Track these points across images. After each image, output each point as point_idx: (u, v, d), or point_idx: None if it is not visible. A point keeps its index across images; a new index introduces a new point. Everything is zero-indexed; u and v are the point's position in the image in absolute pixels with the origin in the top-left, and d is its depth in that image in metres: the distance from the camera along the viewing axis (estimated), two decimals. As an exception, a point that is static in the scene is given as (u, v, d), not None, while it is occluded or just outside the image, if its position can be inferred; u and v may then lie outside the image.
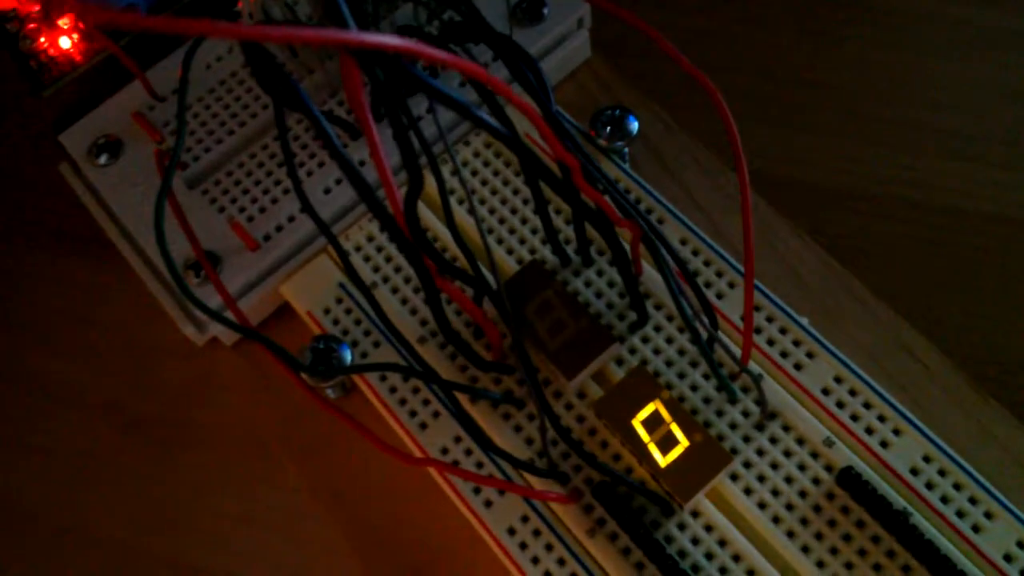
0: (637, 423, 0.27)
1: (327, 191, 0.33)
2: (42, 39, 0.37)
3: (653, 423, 0.27)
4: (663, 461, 0.26)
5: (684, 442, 0.26)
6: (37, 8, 0.38)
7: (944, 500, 0.26)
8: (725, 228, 0.32)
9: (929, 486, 0.26)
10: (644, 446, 0.27)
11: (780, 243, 0.32)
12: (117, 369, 0.34)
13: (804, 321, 0.28)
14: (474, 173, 0.32)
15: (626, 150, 0.32)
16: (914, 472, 0.26)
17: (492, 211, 0.32)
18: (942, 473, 0.26)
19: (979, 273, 0.31)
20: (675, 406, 0.27)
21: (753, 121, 0.34)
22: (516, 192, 0.32)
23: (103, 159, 0.34)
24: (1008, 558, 0.25)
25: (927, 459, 0.26)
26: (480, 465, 0.28)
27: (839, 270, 0.31)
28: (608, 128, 0.31)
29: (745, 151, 0.22)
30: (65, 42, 0.37)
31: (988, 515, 0.25)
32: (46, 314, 0.35)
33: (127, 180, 0.34)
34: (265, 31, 0.15)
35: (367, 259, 0.31)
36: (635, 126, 0.32)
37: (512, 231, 0.31)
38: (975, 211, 0.32)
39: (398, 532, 0.30)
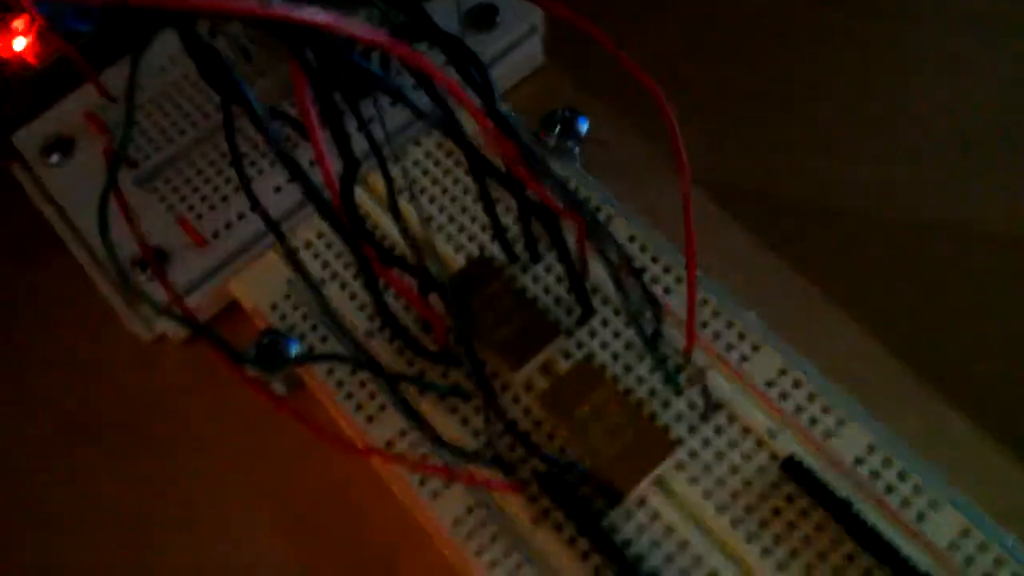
0: (582, 414, 0.27)
1: (278, 189, 0.33)
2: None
3: (597, 414, 0.27)
4: (607, 451, 0.26)
5: (628, 432, 0.26)
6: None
7: (888, 489, 0.26)
8: (674, 228, 0.32)
9: (874, 475, 0.26)
10: (588, 437, 0.26)
11: (733, 247, 0.32)
12: (65, 374, 0.33)
13: (750, 315, 0.28)
14: (424, 172, 0.32)
15: (576, 150, 0.32)
16: (858, 462, 0.26)
17: (441, 209, 0.32)
18: (886, 463, 0.26)
19: (940, 282, 0.31)
20: (619, 398, 0.27)
21: (718, 135, 0.34)
22: (466, 191, 0.32)
23: (55, 158, 0.34)
24: (953, 546, 0.25)
25: (871, 449, 0.26)
26: (426, 458, 0.28)
27: (791, 275, 0.31)
28: (558, 128, 0.32)
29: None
30: (19, 43, 0.37)
31: (932, 504, 0.25)
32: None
33: (79, 179, 0.34)
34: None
35: (316, 255, 0.31)
36: (585, 127, 0.32)
37: (461, 229, 0.31)
38: (946, 226, 0.32)
39: (349, 533, 0.29)
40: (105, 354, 0.33)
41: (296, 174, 0.21)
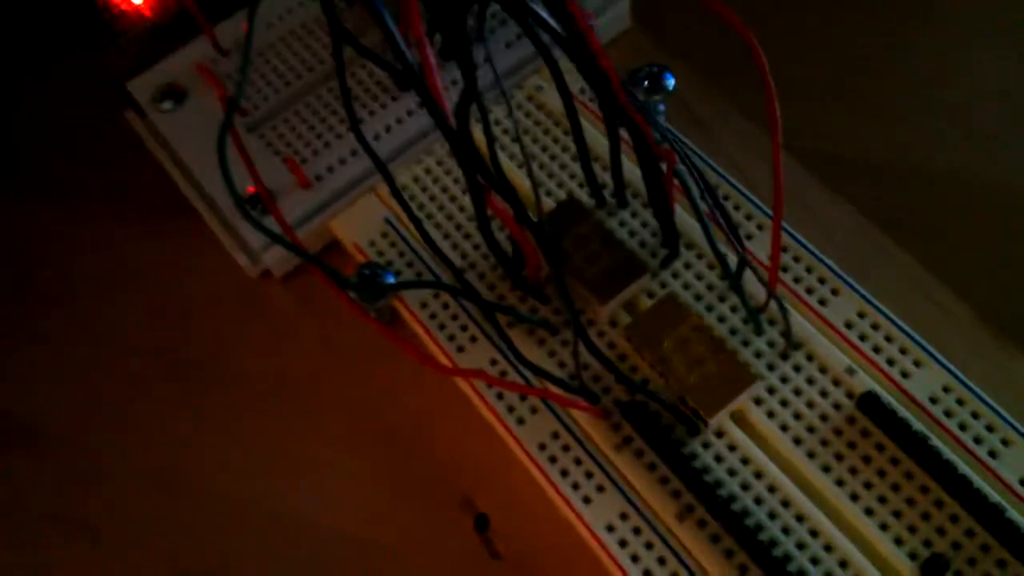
0: (666, 345, 0.28)
1: (376, 137, 0.35)
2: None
3: (680, 345, 0.28)
4: (690, 379, 0.27)
5: (710, 363, 0.28)
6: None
7: (962, 427, 0.27)
8: (756, 182, 0.33)
9: (948, 414, 0.27)
10: (672, 366, 0.28)
11: (813, 201, 0.33)
12: (169, 310, 0.35)
13: (829, 261, 0.30)
14: (516, 122, 0.34)
15: (661, 106, 0.34)
16: (933, 400, 0.27)
17: (532, 157, 0.33)
18: (960, 402, 0.27)
19: (1013, 235, 0.32)
20: (702, 330, 0.28)
21: (798, 100, 0.35)
22: (556, 141, 0.33)
23: (167, 105, 0.37)
24: (1023, 482, 0.26)
25: (946, 389, 0.27)
26: (513, 382, 0.29)
27: (871, 230, 0.32)
28: (645, 83, 0.33)
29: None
30: (137, -2, 0.39)
31: (1004, 442, 0.26)
32: (101, 261, 0.37)
33: (190, 125, 0.36)
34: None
35: (411, 198, 0.33)
36: (671, 82, 0.33)
37: (551, 175, 0.33)
38: (1013, 185, 0.33)
39: (434, 461, 0.31)
40: (208, 290, 0.35)
41: (425, 98, 0.22)
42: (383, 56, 0.34)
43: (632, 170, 0.31)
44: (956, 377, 0.27)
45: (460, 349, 0.30)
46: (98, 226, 0.37)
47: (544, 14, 0.24)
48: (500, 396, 0.29)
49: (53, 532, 0.32)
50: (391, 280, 0.31)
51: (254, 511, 0.31)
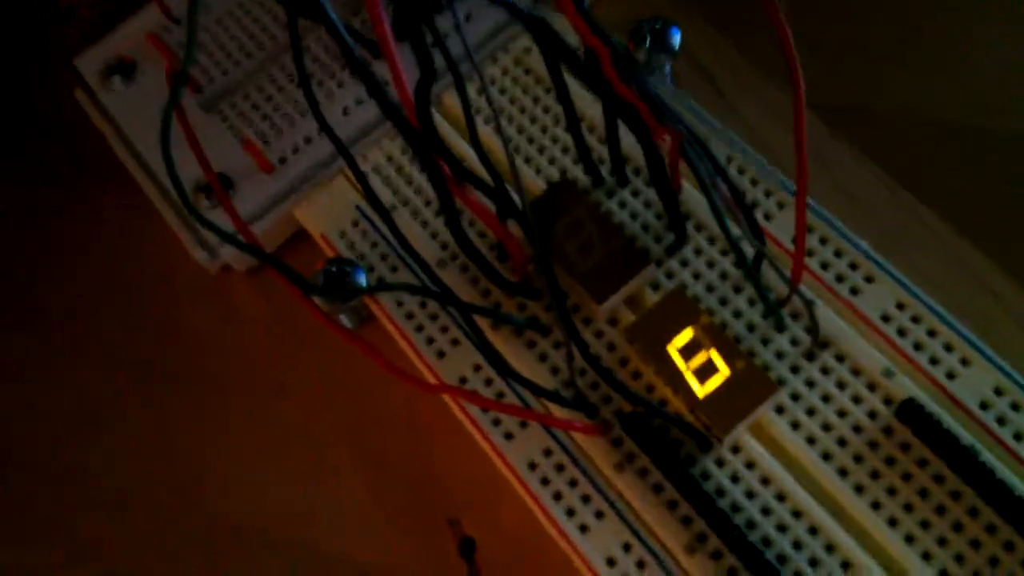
0: (673, 349, 0.25)
1: (346, 112, 0.32)
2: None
3: (691, 350, 0.25)
4: (701, 391, 0.25)
5: (725, 370, 0.25)
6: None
7: (1018, 437, 0.24)
8: (776, 149, 0.30)
9: (1001, 421, 0.24)
10: (680, 375, 0.25)
11: (838, 167, 0.30)
12: (122, 307, 0.33)
13: (862, 243, 0.27)
14: (502, 91, 0.31)
15: (668, 66, 0.30)
16: (984, 406, 0.24)
17: (520, 130, 0.30)
18: (1016, 407, 0.24)
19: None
20: (715, 331, 0.25)
21: (821, 51, 0.32)
22: (547, 110, 0.30)
23: (116, 82, 0.34)
24: (1091, 503, 0.23)
25: (999, 392, 0.24)
26: (501, 396, 0.27)
27: (904, 195, 0.29)
28: (647, 41, 0.30)
29: (808, 80, 0.20)
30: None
31: (1069, 455, 0.23)
32: (57, 246, 0.35)
33: (141, 103, 0.34)
34: None
35: (386, 181, 0.30)
36: (678, 39, 0.30)
37: (541, 150, 0.30)
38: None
39: (420, 476, 0.29)
40: (165, 286, 0.33)
41: (371, 85, 0.20)
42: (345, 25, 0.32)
43: (633, 142, 0.28)
44: (1010, 377, 0.24)
45: (440, 355, 0.28)
46: (47, 219, 0.35)
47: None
48: (485, 410, 0.27)
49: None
50: (361, 280, 0.28)
51: (221, 523, 0.29)
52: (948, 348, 0.25)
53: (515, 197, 0.27)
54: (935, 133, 0.31)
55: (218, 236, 0.26)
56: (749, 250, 0.25)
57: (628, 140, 0.28)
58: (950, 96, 0.31)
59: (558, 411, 0.26)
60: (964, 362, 0.25)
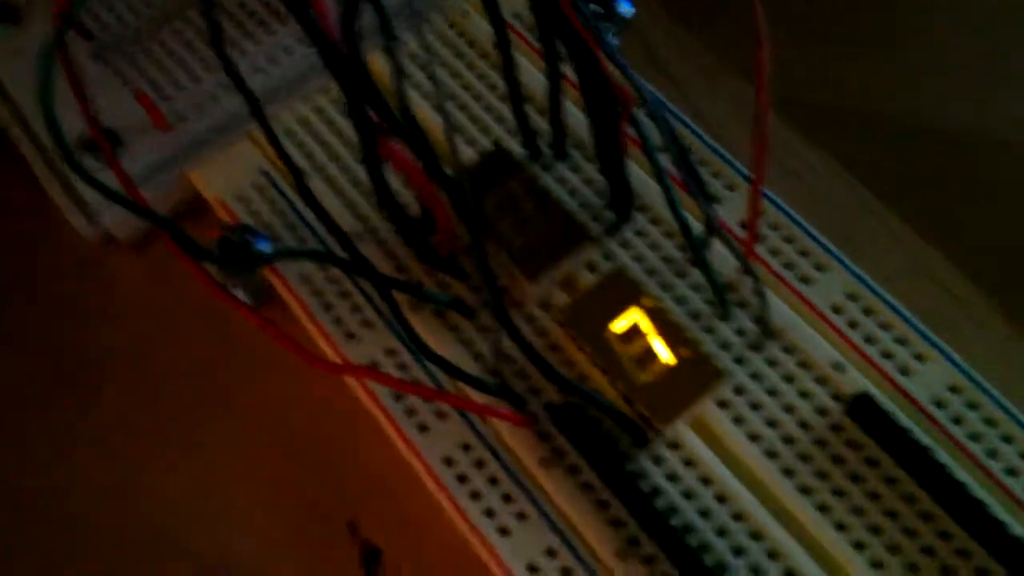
0: (611, 334, 0.24)
1: (259, 70, 0.30)
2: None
3: (630, 335, 0.24)
4: (639, 379, 0.23)
5: (667, 357, 0.23)
6: None
7: (974, 438, 0.23)
8: (728, 139, 0.28)
9: (956, 420, 0.23)
10: (618, 362, 0.23)
11: (794, 158, 0.29)
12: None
13: (814, 230, 0.25)
14: (434, 55, 0.29)
15: (614, 40, 0.29)
16: (939, 404, 0.23)
17: (452, 97, 0.28)
18: (972, 406, 0.23)
19: (1019, 208, 0.29)
20: (658, 315, 0.24)
21: (784, 42, 0.31)
22: (481, 77, 0.29)
23: (-3, 27, 0.31)
24: (1050, 509, 0.22)
25: (954, 390, 0.23)
26: (416, 383, 0.25)
27: (861, 190, 0.28)
28: (592, 6, 0.29)
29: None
30: None
31: (1025, 457, 0.22)
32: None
33: (22, 51, 0.31)
34: None
35: (299, 145, 0.28)
36: (628, 7, 0.29)
37: (474, 119, 0.28)
38: (1007, 140, 0.30)
39: (322, 474, 0.26)
40: (42, 259, 0.30)
41: (300, 14, 0.18)
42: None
43: (575, 114, 0.26)
44: (967, 375, 0.23)
45: (350, 336, 0.25)
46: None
47: None
48: (397, 396, 0.24)
49: None
50: (264, 248, 0.26)
51: (109, 523, 0.27)
52: (902, 342, 0.24)
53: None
54: (899, 130, 0.30)
55: (101, 194, 0.24)
56: (698, 230, 0.24)
57: (572, 114, 0.26)
58: (916, 97, 0.31)
59: (480, 400, 0.24)
60: (919, 358, 0.24)
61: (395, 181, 0.25)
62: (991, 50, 0.31)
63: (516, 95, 0.26)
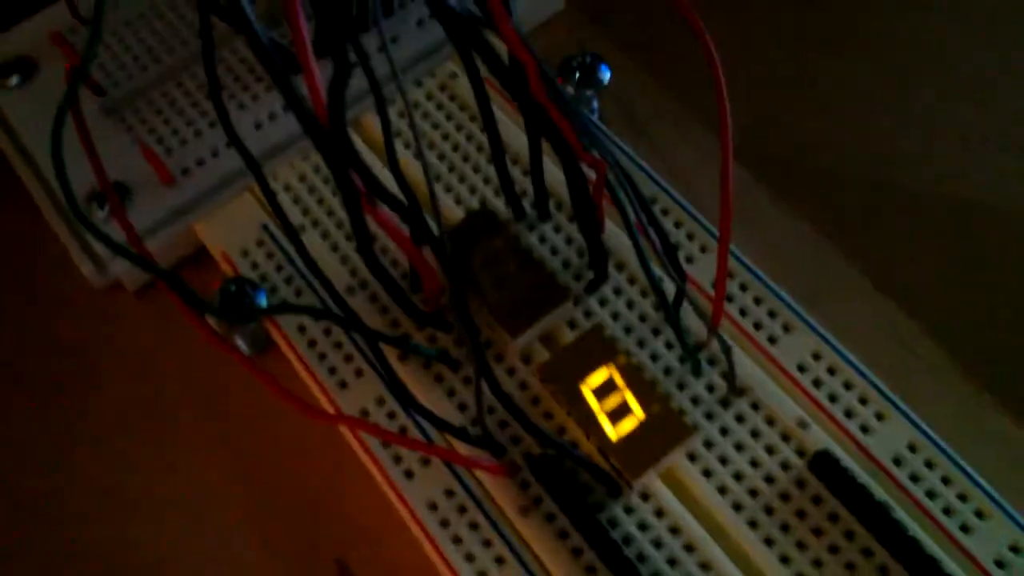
0: (587, 389, 0.25)
1: (259, 126, 0.31)
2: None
3: (605, 391, 0.25)
4: (613, 433, 0.24)
5: (639, 413, 0.25)
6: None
7: (930, 495, 0.24)
8: (700, 193, 0.30)
9: (914, 478, 0.24)
10: (593, 416, 0.25)
11: (764, 217, 0.30)
12: (9, 320, 0.32)
13: (782, 292, 0.27)
14: (425, 115, 0.31)
15: (595, 102, 0.31)
16: (897, 462, 0.24)
17: (442, 157, 0.30)
18: (929, 465, 0.24)
19: (984, 267, 0.30)
20: (631, 373, 0.25)
21: (753, 100, 0.33)
22: (470, 138, 0.30)
23: (14, 80, 0.33)
24: (1000, 564, 0.23)
25: (913, 448, 0.24)
26: (404, 431, 0.26)
27: (826, 247, 0.29)
28: (576, 76, 0.30)
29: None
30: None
31: (979, 514, 0.24)
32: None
33: (39, 105, 0.32)
34: None
35: (296, 200, 0.30)
36: (607, 75, 0.30)
37: (463, 179, 0.30)
38: (989, 205, 0.31)
39: (311, 515, 0.27)
40: (53, 302, 0.32)
41: (284, 87, 0.19)
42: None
43: (557, 176, 0.28)
44: (925, 434, 0.25)
45: (343, 385, 0.27)
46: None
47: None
48: (385, 444, 0.26)
49: None
50: (261, 301, 0.27)
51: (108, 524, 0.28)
52: (863, 401, 0.25)
53: (431, 223, 0.27)
54: (865, 187, 0.31)
55: (107, 246, 0.25)
56: (670, 291, 0.25)
57: (554, 176, 0.28)
58: (882, 152, 0.32)
59: (464, 449, 0.25)
60: (879, 416, 0.25)
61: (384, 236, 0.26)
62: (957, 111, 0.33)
63: (499, 155, 0.27)
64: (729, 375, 0.25)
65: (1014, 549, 0.23)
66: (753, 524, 0.24)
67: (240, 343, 0.28)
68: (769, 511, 0.24)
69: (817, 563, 0.23)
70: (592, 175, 0.25)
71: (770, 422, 0.25)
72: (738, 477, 0.25)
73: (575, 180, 0.25)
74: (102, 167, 0.28)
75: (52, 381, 0.31)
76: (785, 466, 0.25)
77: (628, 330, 0.27)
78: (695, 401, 0.26)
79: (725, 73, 0.21)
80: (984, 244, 0.30)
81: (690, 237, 0.28)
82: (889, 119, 0.32)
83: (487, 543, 0.24)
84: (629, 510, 0.24)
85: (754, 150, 0.31)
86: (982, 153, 0.31)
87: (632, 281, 0.27)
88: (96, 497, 0.29)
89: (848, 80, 0.33)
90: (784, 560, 0.23)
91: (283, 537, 0.27)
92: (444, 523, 0.25)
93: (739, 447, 0.25)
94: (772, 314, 0.26)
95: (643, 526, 0.24)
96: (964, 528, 0.23)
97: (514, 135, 0.30)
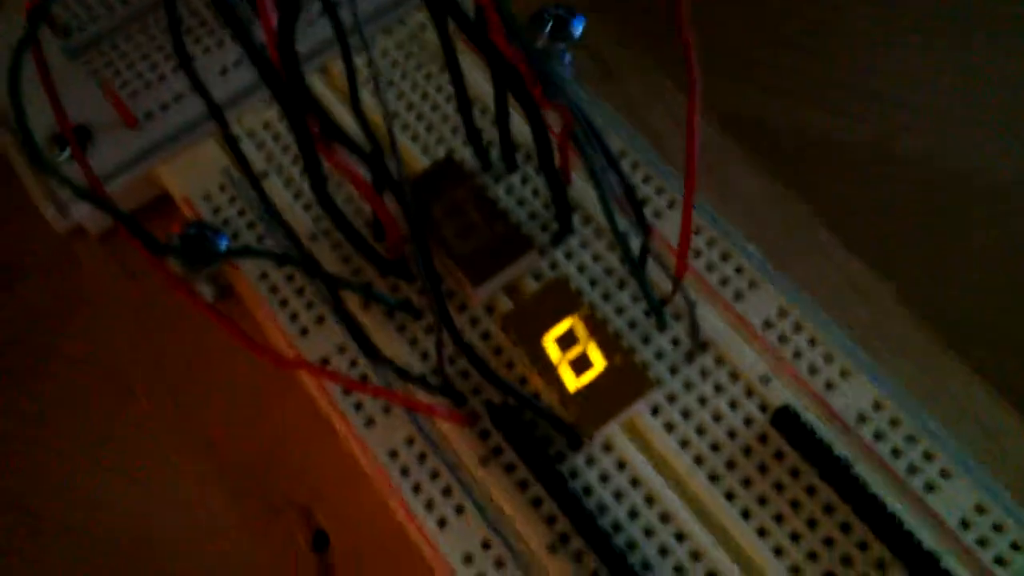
0: (549, 340, 0.25)
1: (224, 71, 0.31)
2: None
3: (567, 341, 0.25)
4: (573, 384, 0.24)
5: (600, 364, 0.24)
6: None
7: (894, 453, 0.24)
8: (673, 150, 0.30)
9: (877, 436, 0.24)
10: (554, 367, 0.24)
11: (736, 176, 0.30)
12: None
13: (749, 248, 0.27)
14: (394, 64, 0.30)
15: (567, 56, 0.30)
16: (861, 419, 0.24)
17: (410, 106, 0.30)
18: (893, 423, 0.24)
19: (951, 229, 0.30)
20: (595, 324, 0.25)
21: (739, 70, 0.32)
22: (439, 89, 0.30)
23: (-26, 19, 0.32)
24: (964, 524, 0.23)
25: (877, 406, 0.24)
26: (365, 379, 0.26)
27: (796, 208, 0.29)
28: (548, 27, 0.30)
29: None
30: None
31: (944, 473, 0.23)
32: None
33: (2, 42, 0.32)
34: None
35: (260, 146, 0.29)
36: (579, 28, 0.30)
37: (430, 128, 0.29)
38: (958, 169, 0.31)
39: (272, 463, 0.27)
40: (13, 248, 0.31)
41: (237, 29, 0.19)
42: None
43: (527, 127, 0.28)
44: (889, 393, 0.24)
45: (303, 332, 0.26)
46: None
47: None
48: (346, 391, 0.25)
49: None
50: (222, 245, 0.27)
51: (61, 514, 0.27)
52: (828, 359, 0.25)
53: (392, 168, 0.26)
54: (832, 150, 0.31)
55: (68, 187, 0.25)
56: (636, 245, 0.25)
57: (523, 128, 0.27)
58: (853, 116, 0.32)
59: (424, 397, 0.25)
60: (843, 373, 0.25)
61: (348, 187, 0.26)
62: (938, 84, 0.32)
63: (464, 104, 0.27)
64: (693, 330, 0.25)
65: (979, 510, 0.23)
66: (714, 478, 0.24)
67: (203, 287, 0.28)
68: (731, 465, 0.24)
69: (778, 518, 0.23)
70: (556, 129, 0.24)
71: (734, 377, 0.25)
72: (700, 431, 0.24)
73: (538, 129, 0.24)
74: (63, 109, 0.28)
75: (21, 342, 0.30)
76: (748, 421, 0.24)
77: (593, 283, 0.26)
78: (659, 355, 0.25)
79: (701, 40, 0.20)
80: (953, 207, 0.30)
81: (659, 191, 0.28)
82: (865, 85, 0.32)
83: (447, 491, 0.24)
84: (590, 461, 0.24)
85: (728, 110, 0.31)
86: (952, 118, 0.31)
87: (599, 234, 0.27)
88: (60, 453, 0.28)
89: (820, 40, 0.33)
90: (745, 514, 0.23)
91: (244, 489, 0.27)
92: (404, 471, 0.25)
93: (702, 401, 0.25)
94: (739, 270, 0.26)
95: (604, 477, 0.24)
96: (928, 487, 0.23)
97: (481, 86, 0.29)
